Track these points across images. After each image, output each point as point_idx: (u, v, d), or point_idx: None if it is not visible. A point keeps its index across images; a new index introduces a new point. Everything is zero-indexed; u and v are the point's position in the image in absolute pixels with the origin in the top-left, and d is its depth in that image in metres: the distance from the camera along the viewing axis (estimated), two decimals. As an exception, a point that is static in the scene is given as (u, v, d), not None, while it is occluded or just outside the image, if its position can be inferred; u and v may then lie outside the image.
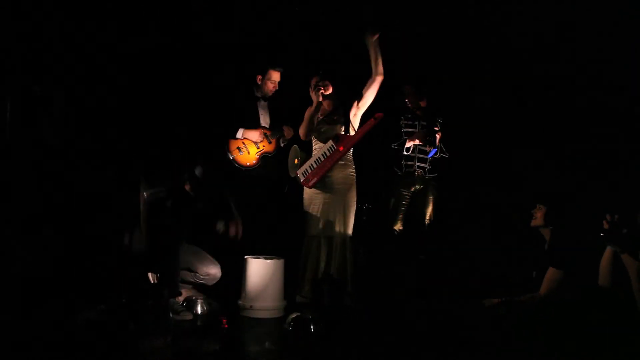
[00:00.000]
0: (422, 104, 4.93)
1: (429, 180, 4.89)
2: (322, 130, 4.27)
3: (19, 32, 4.42)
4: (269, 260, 3.96)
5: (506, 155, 5.08)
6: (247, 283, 3.94)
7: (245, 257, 4.01)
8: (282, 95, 4.84)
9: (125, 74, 4.80)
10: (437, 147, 4.79)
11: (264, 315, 3.87)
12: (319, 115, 4.30)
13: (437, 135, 4.77)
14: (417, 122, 4.92)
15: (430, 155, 4.81)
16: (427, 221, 4.88)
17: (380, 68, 4.10)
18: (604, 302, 3.37)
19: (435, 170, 4.89)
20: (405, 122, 4.96)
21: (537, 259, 3.85)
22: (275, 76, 4.70)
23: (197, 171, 4.09)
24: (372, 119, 4.14)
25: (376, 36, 4.06)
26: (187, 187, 4.06)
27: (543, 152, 4.91)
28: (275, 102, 4.84)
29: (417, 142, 4.83)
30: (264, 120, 4.81)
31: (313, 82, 4.22)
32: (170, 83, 4.95)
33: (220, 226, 4.08)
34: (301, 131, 4.29)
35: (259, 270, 3.93)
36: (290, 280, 4.18)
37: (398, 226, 4.92)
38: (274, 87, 4.72)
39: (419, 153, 4.87)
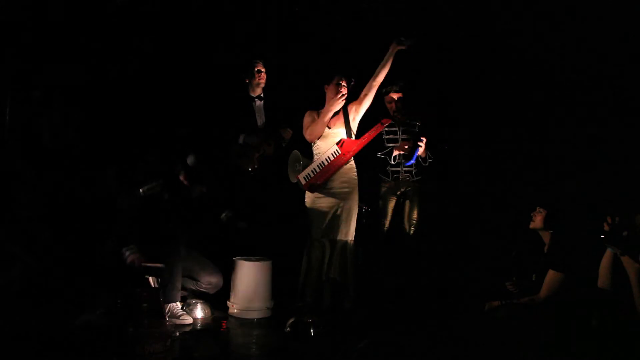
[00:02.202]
0: (398, 104, 4.79)
1: (414, 182, 4.80)
2: (324, 134, 4.22)
3: (18, 33, 4.43)
4: (255, 262, 4.00)
5: (505, 156, 5.06)
6: (235, 284, 4.02)
7: (234, 258, 4.06)
8: (276, 95, 4.87)
9: (123, 75, 4.81)
10: (417, 158, 4.68)
11: (251, 315, 3.94)
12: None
13: (419, 147, 4.64)
14: (397, 128, 4.82)
15: (407, 164, 4.73)
16: (413, 223, 4.79)
17: (382, 77, 4.10)
18: (604, 305, 3.36)
19: (420, 173, 4.79)
20: (387, 127, 4.76)
21: (536, 262, 3.84)
22: (259, 66, 4.79)
23: (190, 160, 4.08)
24: (379, 124, 4.16)
25: (404, 47, 4.05)
26: (182, 178, 4.05)
27: (542, 154, 4.89)
28: (270, 103, 4.86)
29: (401, 152, 4.74)
30: (260, 121, 4.83)
31: (335, 81, 4.16)
32: (167, 86, 4.95)
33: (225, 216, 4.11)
34: (311, 135, 4.23)
35: (246, 272, 3.98)
36: (284, 282, 4.19)
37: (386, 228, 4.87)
38: (262, 76, 4.80)
39: (404, 158, 4.78)
